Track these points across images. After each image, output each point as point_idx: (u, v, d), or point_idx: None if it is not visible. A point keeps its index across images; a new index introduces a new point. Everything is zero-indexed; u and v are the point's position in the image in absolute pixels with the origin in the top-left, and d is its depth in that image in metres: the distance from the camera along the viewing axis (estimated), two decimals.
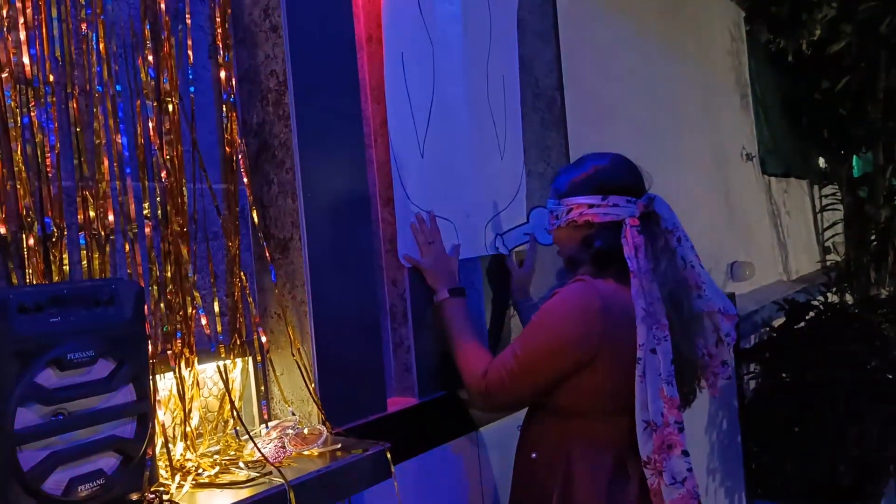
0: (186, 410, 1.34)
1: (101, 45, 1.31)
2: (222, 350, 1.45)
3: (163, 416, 1.31)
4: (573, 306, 1.53)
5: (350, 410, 1.56)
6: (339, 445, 1.37)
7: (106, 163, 1.29)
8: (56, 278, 1.22)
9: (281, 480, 1.22)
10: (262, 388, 1.52)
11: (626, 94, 3.16)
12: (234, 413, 1.40)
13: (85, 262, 1.26)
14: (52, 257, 1.22)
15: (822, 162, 6.37)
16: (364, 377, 1.61)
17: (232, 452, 1.38)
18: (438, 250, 1.80)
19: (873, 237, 5.42)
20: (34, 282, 1.19)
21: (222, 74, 1.50)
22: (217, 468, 1.28)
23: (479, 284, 1.99)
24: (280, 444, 1.34)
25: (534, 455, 1.63)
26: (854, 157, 6.17)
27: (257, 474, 1.24)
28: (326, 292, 1.52)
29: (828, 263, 6.20)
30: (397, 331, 1.77)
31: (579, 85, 2.60)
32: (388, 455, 1.38)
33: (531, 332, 1.58)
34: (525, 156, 2.19)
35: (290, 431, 1.38)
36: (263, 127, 1.54)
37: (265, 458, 1.27)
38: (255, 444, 1.30)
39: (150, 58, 1.38)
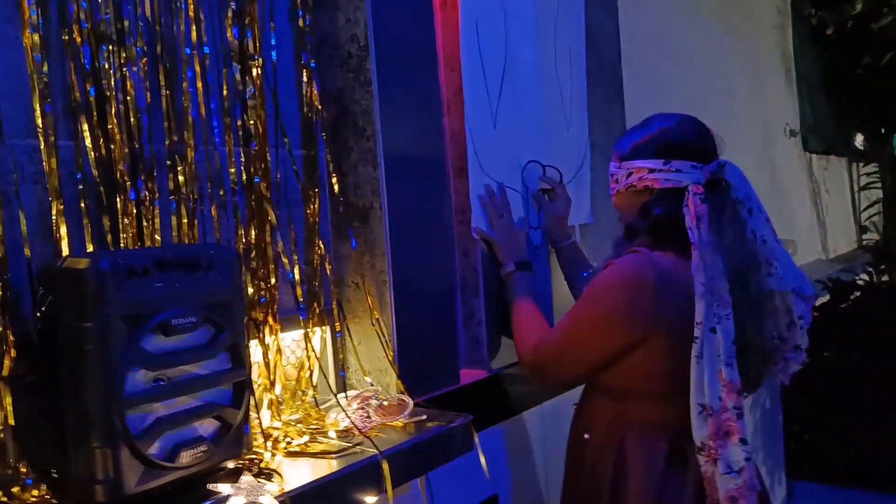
0: (272, 378, 1.33)
1: (190, 8, 1.28)
2: (302, 319, 1.44)
3: None
4: (625, 280, 1.45)
5: (426, 382, 1.54)
6: (425, 416, 1.36)
7: (195, 127, 1.28)
8: (147, 242, 1.21)
9: (372, 451, 1.21)
10: (342, 357, 1.51)
11: (679, 68, 3.10)
12: (325, 380, 1.39)
13: (174, 227, 1.25)
14: (144, 221, 1.21)
15: (859, 141, 6.23)
16: (439, 349, 1.60)
17: (314, 422, 1.37)
18: (508, 223, 1.77)
19: None
20: (128, 246, 1.18)
21: (303, 38, 1.47)
22: (306, 437, 1.27)
23: (546, 261, 1.96)
24: (364, 414, 1.33)
25: (586, 436, 1.56)
26: (895, 136, 6.04)
27: (348, 444, 1.23)
28: (405, 262, 1.50)
29: (864, 243, 6.12)
30: (468, 303, 1.75)
31: (636, 58, 2.55)
32: (472, 427, 1.37)
33: (581, 306, 1.52)
34: (590, 128, 2.16)
35: (373, 401, 1.37)
36: (343, 93, 1.51)
37: (358, 429, 1.26)
38: (347, 415, 1.29)
39: (234, 21, 1.36)
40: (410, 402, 1.36)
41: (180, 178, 1.26)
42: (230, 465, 1.12)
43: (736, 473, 1.36)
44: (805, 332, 1.52)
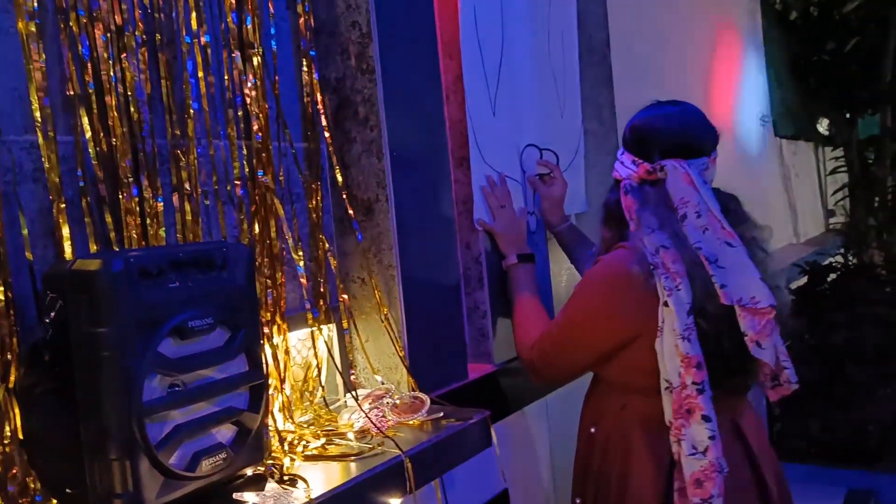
0: (282, 379, 1.29)
1: None
2: (310, 316, 1.39)
3: None
4: (612, 277, 1.44)
5: (436, 378, 1.50)
6: (441, 414, 1.32)
7: (197, 120, 1.22)
8: (152, 241, 1.15)
9: (393, 452, 1.17)
10: (351, 356, 1.46)
11: (659, 52, 3.09)
12: (339, 379, 1.35)
13: (179, 224, 1.19)
14: (147, 219, 1.15)
15: (823, 126, 6.29)
16: (448, 343, 1.56)
17: (326, 423, 1.32)
18: (510, 214, 1.74)
19: (877, 199, 5.39)
20: (132, 245, 1.12)
21: (301, 22, 1.42)
22: (322, 440, 1.22)
23: (544, 247, 1.94)
24: (380, 414, 1.29)
25: (593, 430, 1.54)
26: (859, 119, 6.12)
27: (368, 446, 1.19)
28: (412, 255, 1.46)
29: (831, 226, 6.21)
30: (471, 295, 1.71)
31: (623, 42, 2.53)
32: (490, 423, 1.34)
33: (572, 305, 1.50)
34: (582, 114, 2.13)
35: (387, 400, 1.32)
36: (343, 82, 1.46)
37: (379, 430, 1.22)
38: (367, 415, 1.24)
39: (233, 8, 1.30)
40: (428, 400, 1.31)
41: (183, 173, 1.20)
42: (249, 471, 1.07)
43: (701, 454, 1.31)
44: (762, 351, 1.35)
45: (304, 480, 1.06)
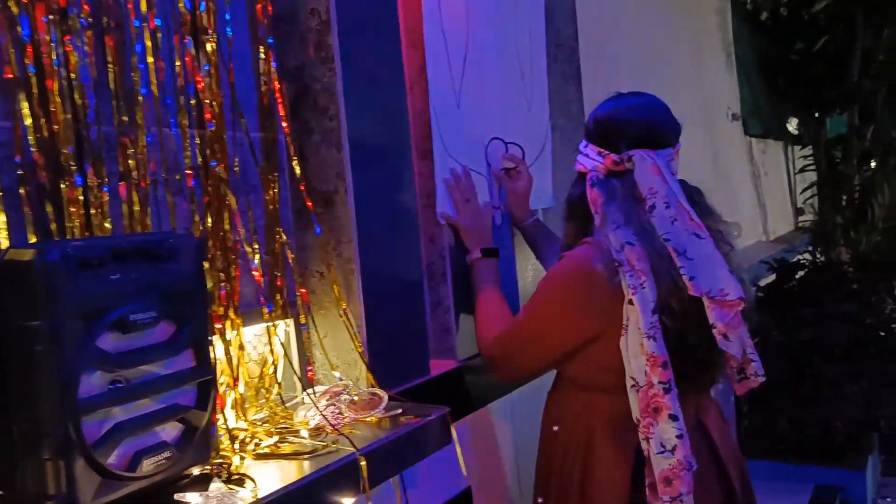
0: (235, 375, 1.25)
1: None
2: (265, 311, 1.35)
3: None
4: (575, 274, 1.43)
5: (396, 374, 1.48)
6: (400, 410, 1.29)
7: (146, 107, 1.17)
8: (97, 232, 1.10)
9: (348, 449, 1.13)
10: (309, 351, 1.43)
11: (629, 49, 3.08)
12: (293, 376, 1.31)
13: (126, 215, 1.15)
14: (92, 210, 1.10)
15: (793, 125, 6.35)
16: (409, 339, 1.53)
17: (282, 421, 1.29)
18: (474, 208, 1.72)
19: (845, 198, 5.46)
20: (75, 235, 1.08)
21: (258, 8, 1.37)
22: (275, 437, 1.19)
23: (509, 242, 1.91)
24: (336, 410, 1.25)
25: (555, 428, 1.53)
26: (827, 118, 6.18)
27: (322, 443, 1.16)
28: (373, 249, 1.43)
29: (800, 224, 6.28)
30: (435, 290, 1.69)
31: (592, 38, 2.52)
32: (449, 420, 1.31)
33: (535, 301, 1.50)
34: (550, 109, 2.11)
35: (344, 396, 1.29)
36: (302, 71, 1.42)
37: (333, 426, 1.18)
38: (321, 412, 1.21)
39: None
40: (385, 396, 1.28)
41: (130, 162, 1.15)
42: (196, 471, 1.03)
43: (669, 452, 1.31)
44: (729, 344, 1.35)
45: (252, 480, 1.02)
